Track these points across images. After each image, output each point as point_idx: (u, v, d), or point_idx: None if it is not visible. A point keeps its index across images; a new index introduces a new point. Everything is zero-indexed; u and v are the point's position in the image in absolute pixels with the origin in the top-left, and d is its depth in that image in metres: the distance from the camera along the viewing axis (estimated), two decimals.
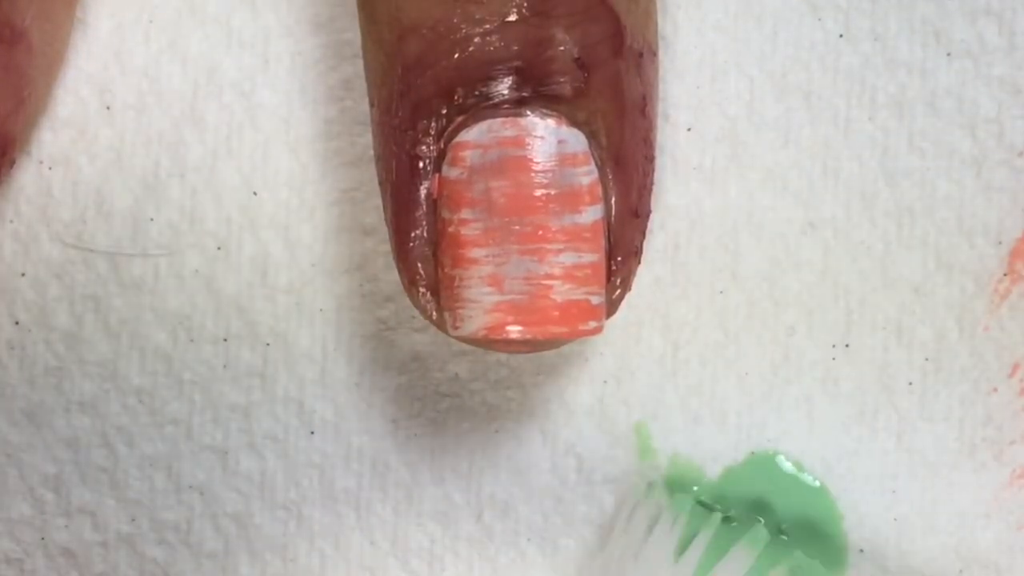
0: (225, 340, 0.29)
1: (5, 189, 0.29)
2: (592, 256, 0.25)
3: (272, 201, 0.29)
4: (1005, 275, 0.29)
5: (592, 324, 0.25)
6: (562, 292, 0.25)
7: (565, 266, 0.25)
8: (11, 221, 0.29)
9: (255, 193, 0.29)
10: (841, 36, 0.29)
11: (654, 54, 0.27)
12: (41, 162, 0.29)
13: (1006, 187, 0.29)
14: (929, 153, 0.29)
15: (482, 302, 0.25)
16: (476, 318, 0.25)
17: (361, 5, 0.27)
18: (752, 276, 0.29)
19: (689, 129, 0.29)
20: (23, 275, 0.29)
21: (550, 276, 0.25)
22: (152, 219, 0.29)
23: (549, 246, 0.25)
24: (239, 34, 0.29)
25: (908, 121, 0.29)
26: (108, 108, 0.29)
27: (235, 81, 0.29)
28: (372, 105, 0.26)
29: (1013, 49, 0.29)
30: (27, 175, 0.29)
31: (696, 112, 0.29)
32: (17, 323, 0.29)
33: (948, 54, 0.29)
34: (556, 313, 0.25)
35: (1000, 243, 0.29)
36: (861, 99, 0.29)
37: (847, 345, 0.29)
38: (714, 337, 0.29)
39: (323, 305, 0.29)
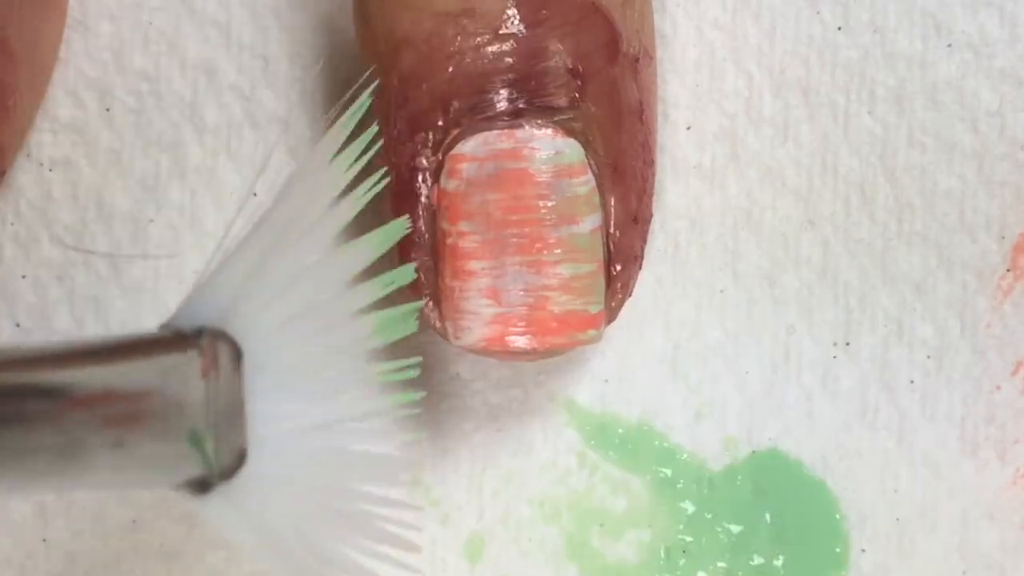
0: None
1: (5, 191, 0.29)
2: (589, 266, 0.25)
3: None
4: (1008, 271, 0.29)
5: (591, 333, 0.26)
6: (560, 303, 0.25)
7: (563, 277, 0.25)
8: (11, 223, 0.29)
9: (255, 194, 0.29)
10: (840, 29, 0.29)
11: (651, 57, 0.27)
12: (41, 164, 0.29)
13: (1008, 181, 0.29)
14: (930, 147, 0.29)
15: (481, 314, 0.25)
16: (475, 329, 0.25)
17: (357, 18, 0.27)
18: (752, 275, 0.29)
19: (688, 127, 0.29)
20: (24, 277, 0.29)
21: (548, 288, 0.25)
22: (152, 220, 0.29)
23: (547, 258, 0.25)
24: (238, 35, 0.29)
25: (908, 115, 0.29)
26: (108, 110, 0.29)
27: (235, 82, 0.29)
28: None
29: (1015, 41, 0.29)
30: (27, 177, 0.29)
31: (695, 110, 0.29)
32: (18, 325, 0.29)
33: (949, 46, 0.29)
34: (554, 324, 0.25)
35: (1003, 238, 0.29)
36: (860, 93, 0.29)
37: (847, 343, 0.29)
38: (714, 336, 0.29)
39: None
